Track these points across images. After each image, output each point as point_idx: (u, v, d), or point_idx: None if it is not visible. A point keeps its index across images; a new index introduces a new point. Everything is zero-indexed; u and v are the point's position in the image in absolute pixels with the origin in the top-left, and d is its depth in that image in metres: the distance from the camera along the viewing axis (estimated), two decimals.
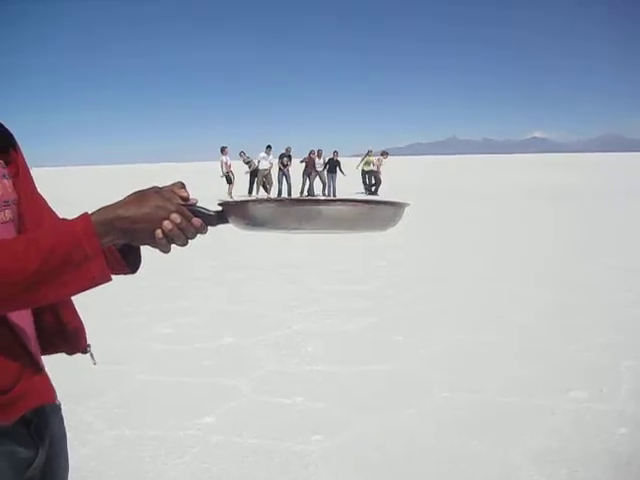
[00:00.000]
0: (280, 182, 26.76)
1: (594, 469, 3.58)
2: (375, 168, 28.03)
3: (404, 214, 1.39)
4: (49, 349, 1.53)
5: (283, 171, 26.67)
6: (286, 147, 27.46)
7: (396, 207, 1.37)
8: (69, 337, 1.56)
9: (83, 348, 1.61)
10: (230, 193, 24.38)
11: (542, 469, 3.59)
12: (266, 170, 26.14)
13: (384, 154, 28.91)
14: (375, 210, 1.35)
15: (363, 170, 28.32)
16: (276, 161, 26.88)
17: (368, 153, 28.61)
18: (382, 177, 28.09)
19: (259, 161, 26.14)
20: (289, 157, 27.02)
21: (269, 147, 26.53)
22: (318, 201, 1.30)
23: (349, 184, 27.62)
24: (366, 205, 1.32)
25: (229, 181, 25.10)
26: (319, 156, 27.40)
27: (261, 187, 26.33)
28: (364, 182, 28.13)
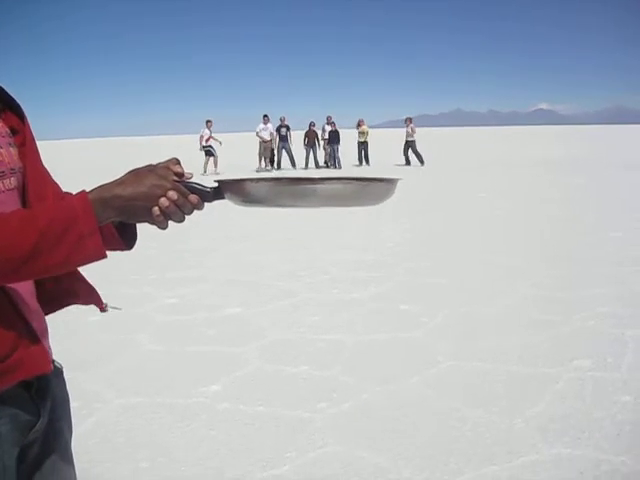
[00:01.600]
0: (279, 154, 26.60)
1: (597, 436, 3.61)
2: (364, 139, 27.31)
3: (396, 189, 1.42)
4: (59, 305, 1.56)
5: (282, 144, 26.42)
6: (280, 117, 26.76)
7: (388, 183, 1.40)
8: (82, 298, 1.59)
9: (101, 308, 1.64)
10: (205, 167, 23.83)
11: (545, 437, 3.62)
12: (267, 141, 25.73)
13: (409, 121, 26.89)
14: (368, 187, 1.38)
15: (358, 142, 27.58)
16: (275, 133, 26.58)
17: (359, 124, 27.70)
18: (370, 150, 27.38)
19: (257, 133, 25.72)
20: (287, 127, 26.48)
21: (266, 117, 25.97)
22: (313, 180, 1.33)
23: (350, 155, 27.53)
24: (360, 183, 1.35)
25: (208, 154, 24.53)
26: (328, 123, 27.15)
27: (266, 160, 25.98)
28: (359, 154, 27.46)
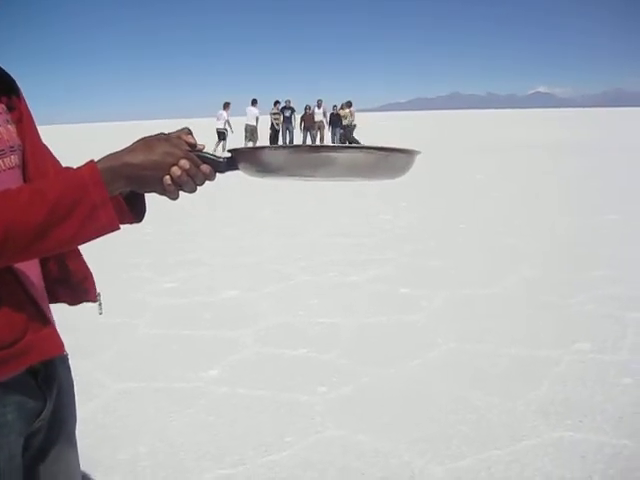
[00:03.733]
0: (284, 136, 26.62)
1: (599, 419, 3.59)
2: (348, 122, 27.17)
3: (415, 162, 1.38)
4: (51, 298, 1.51)
5: (287, 125, 26.48)
6: (286, 100, 27.07)
7: (409, 155, 1.36)
8: (75, 287, 1.54)
9: (93, 297, 1.58)
10: (215, 150, 23.64)
11: (547, 419, 3.60)
12: (253, 126, 25.50)
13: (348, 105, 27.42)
14: (390, 157, 1.33)
15: (343, 125, 27.26)
16: (267, 116, 26.60)
17: (342, 107, 27.45)
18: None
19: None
20: (292, 109, 26.72)
21: (255, 100, 25.90)
22: (334, 147, 1.30)
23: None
24: (381, 152, 1.31)
25: (220, 137, 24.50)
26: (319, 106, 27.17)
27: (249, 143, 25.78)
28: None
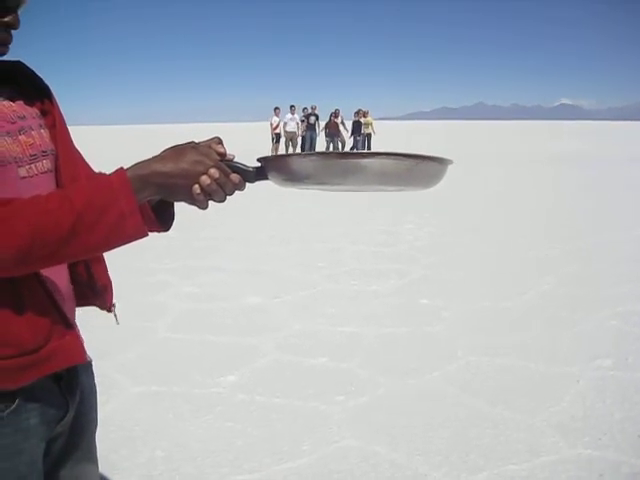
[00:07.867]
0: (305, 143, 26.52)
1: (618, 437, 3.56)
2: (369, 130, 27.25)
3: (447, 172, 1.37)
4: (81, 301, 1.52)
5: (310, 132, 26.41)
6: (311, 105, 27.00)
7: (442, 163, 1.34)
8: (97, 293, 1.55)
9: (108, 307, 1.60)
10: (274, 152, 24.15)
11: (566, 436, 3.57)
12: (293, 132, 25.97)
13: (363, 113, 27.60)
14: (421, 165, 1.30)
15: (362, 133, 27.44)
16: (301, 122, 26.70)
17: (364, 114, 27.45)
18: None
19: (285, 123, 25.98)
20: (317, 116, 26.60)
21: (293, 107, 26.34)
22: (363, 154, 1.27)
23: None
24: (412, 160, 1.28)
25: (274, 141, 25.62)
26: (336, 116, 26.99)
27: (294, 148, 26.17)
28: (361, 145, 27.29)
